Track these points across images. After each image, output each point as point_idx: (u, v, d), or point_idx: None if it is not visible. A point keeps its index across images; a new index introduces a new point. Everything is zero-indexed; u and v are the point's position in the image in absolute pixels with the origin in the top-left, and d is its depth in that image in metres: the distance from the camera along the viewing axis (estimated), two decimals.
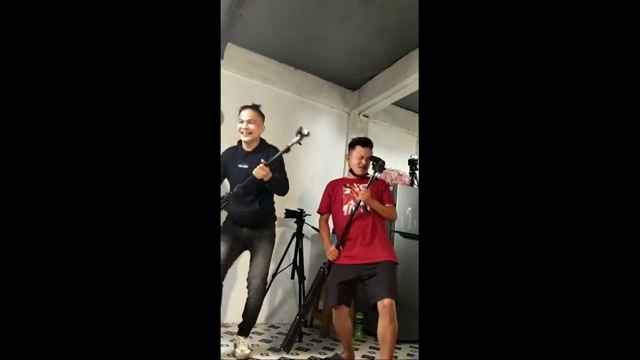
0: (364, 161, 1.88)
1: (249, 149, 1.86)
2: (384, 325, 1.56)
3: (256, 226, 1.85)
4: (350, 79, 3.14)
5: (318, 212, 1.98)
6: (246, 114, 1.83)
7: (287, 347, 1.73)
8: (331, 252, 1.77)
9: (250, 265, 1.87)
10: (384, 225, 1.86)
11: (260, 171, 1.66)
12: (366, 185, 1.79)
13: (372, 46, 2.61)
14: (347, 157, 1.99)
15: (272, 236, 1.91)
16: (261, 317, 2.59)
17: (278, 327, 2.57)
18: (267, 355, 1.90)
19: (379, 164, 1.78)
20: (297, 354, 1.97)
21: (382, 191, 1.89)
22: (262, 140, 1.92)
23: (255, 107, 1.87)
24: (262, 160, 1.69)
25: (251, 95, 2.72)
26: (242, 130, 1.83)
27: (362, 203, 1.78)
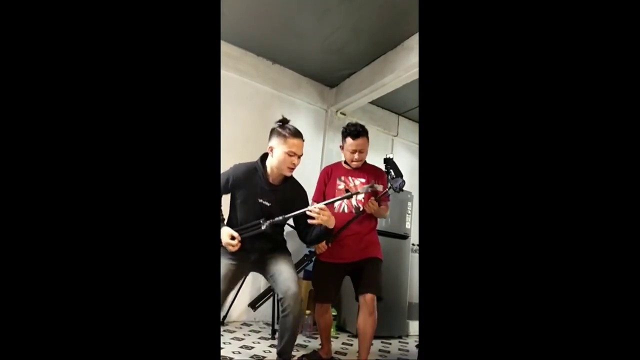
0: (356, 155, 1.73)
1: (276, 183, 1.51)
2: (364, 318, 1.63)
3: (271, 252, 1.55)
4: (328, 76, 3.14)
5: (313, 199, 1.86)
6: (296, 145, 1.46)
7: (253, 305, 1.76)
8: (321, 247, 1.74)
9: (276, 276, 1.47)
10: (376, 224, 1.85)
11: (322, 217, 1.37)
12: (372, 191, 1.71)
13: (349, 44, 2.61)
14: (341, 147, 1.83)
15: (287, 250, 1.61)
16: (234, 315, 2.55)
17: (250, 325, 2.53)
18: (239, 353, 1.87)
19: (399, 185, 1.59)
20: (271, 352, 1.95)
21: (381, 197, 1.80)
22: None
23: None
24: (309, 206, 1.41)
25: (227, 87, 2.66)
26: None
27: (356, 203, 1.74)
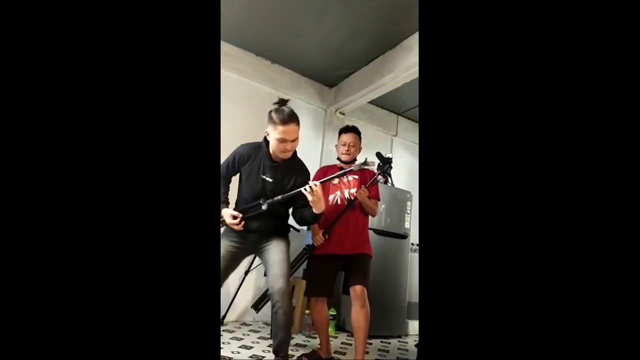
0: (346, 148, 1.91)
1: (278, 160, 1.52)
2: (357, 310, 1.68)
3: (269, 234, 1.56)
4: (327, 76, 3.13)
5: None
6: (286, 131, 1.43)
7: (256, 307, 1.78)
8: (318, 239, 1.79)
9: (268, 269, 1.51)
10: (367, 219, 1.92)
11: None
12: (366, 185, 1.82)
13: (348, 44, 2.61)
14: (336, 146, 2.02)
15: (286, 235, 1.62)
16: (233, 315, 2.55)
17: (250, 325, 2.53)
18: (239, 353, 1.87)
19: (385, 169, 1.74)
20: (270, 351, 1.95)
21: (370, 185, 1.91)
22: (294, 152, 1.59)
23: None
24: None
25: (226, 87, 2.66)
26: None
27: (348, 196, 1.83)
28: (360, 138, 1.97)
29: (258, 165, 1.52)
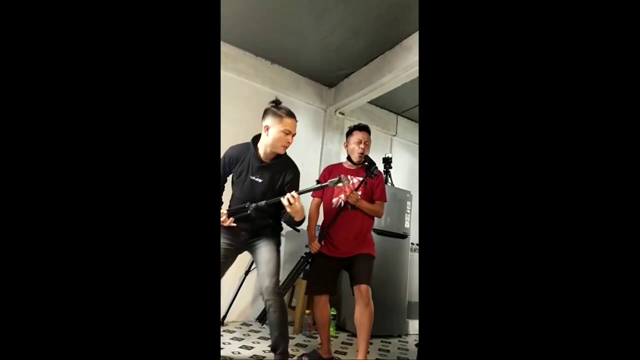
0: (362, 145, 1.85)
1: (267, 160, 1.54)
2: (361, 309, 1.68)
3: (258, 233, 1.59)
4: (327, 76, 3.13)
5: (312, 195, 1.94)
6: (291, 125, 1.49)
7: (261, 319, 1.78)
8: (313, 246, 1.82)
9: (257, 269, 1.55)
10: (370, 220, 1.88)
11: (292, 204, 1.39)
12: (357, 184, 1.81)
13: (348, 44, 2.61)
14: (345, 145, 1.97)
15: (276, 234, 1.64)
16: (232, 315, 2.55)
17: (250, 325, 2.53)
18: (239, 353, 1.87)
19: (372, 170, 1.77)
20: (270, 352, 1.95)
21: (375, 187, 1.88)
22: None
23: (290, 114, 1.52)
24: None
25: (225, 88, 2.66)
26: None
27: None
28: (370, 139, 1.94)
29: (247, 167, 1.54)
